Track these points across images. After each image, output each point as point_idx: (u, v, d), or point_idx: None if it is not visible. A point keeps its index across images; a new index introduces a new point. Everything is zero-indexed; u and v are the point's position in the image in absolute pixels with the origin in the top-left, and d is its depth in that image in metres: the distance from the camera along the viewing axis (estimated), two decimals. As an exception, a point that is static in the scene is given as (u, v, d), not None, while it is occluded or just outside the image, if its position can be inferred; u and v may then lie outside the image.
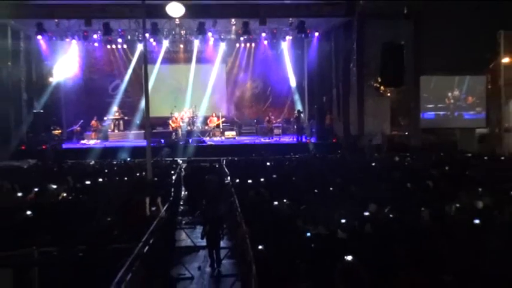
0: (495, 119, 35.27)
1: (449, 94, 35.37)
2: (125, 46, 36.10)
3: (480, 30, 37.70)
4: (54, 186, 18.36)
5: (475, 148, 33.79)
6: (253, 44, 37.10)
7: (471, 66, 35.92)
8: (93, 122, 33.87)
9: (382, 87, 31.68)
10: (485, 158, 27.67)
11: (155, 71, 34.86)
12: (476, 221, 11.70)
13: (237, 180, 18.65)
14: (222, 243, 14.23)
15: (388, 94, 32.28)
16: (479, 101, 35.50)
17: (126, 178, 20.70)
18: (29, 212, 13.87)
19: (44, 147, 31.45)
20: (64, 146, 32.83)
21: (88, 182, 19.71)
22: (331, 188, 16.61)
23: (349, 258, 8.15)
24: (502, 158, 28.29)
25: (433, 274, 7.52)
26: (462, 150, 32.19)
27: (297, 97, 37.14)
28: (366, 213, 12.38)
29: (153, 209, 14.70)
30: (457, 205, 13.85)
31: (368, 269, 7.90)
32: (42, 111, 33.33)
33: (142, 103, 23.68)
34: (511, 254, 8.74)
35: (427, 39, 32.51)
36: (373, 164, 24.50)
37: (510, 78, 34.40)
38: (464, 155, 29.09)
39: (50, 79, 35.20)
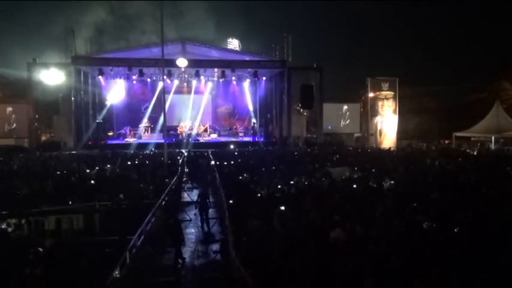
0: (364, 128, 36.47)
1: (339, 113, 36.38)
2: (149, 81, 35.54)
3: (356, 77, 38.89)
4: (109, 166, 18.39)
5: (354, 144, 34.79)
6: (227, 83, 36.59)
7: (351, 98, 37.20)
8: (129, 129, 33.42)
9: (301, 109, 32.27)
10: (359, 150, 28.52)
11: (169, 98, 34.31)
12: (354, 186, 12.41)
13: (218, 162, 18.89)
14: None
15: (305, 113, 32.88)
16: (355, 118, 36.63)
17: (151, 161, 20.75)
18: (92, 181, 14.06)
19: (101, 142, 31.20)
20: (111, 142, 32.38)
21: (129, 163, 19.79)
22: (273, 167, 17.10)
23: (282, 207, 8.72)
24: (369, 150, 29.14)
25: (328, 215, 8.09)
26: (346, 145, 33.07)
27: (252, 114, 37.33)
28: (291, 182, 12.96)
29: (167, 180, 14.82)
30: (343, 177, 14.56)
31: (292, 213, 8.47)
32: (101, 121, 32.99)
33: (162, 117, 23.71)
34: (371, 202, 9.34)
35: (326, 81, 33.25)
36: (295, 153, 24.99)
37: (372, 105, 35.62)
38: (347, 148, 29.91)
39: (106, 102, 34.73)
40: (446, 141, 35.99)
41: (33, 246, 6.64)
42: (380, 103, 35.68)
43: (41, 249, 6.50)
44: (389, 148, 30.52)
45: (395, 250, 5.83)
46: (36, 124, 30.74)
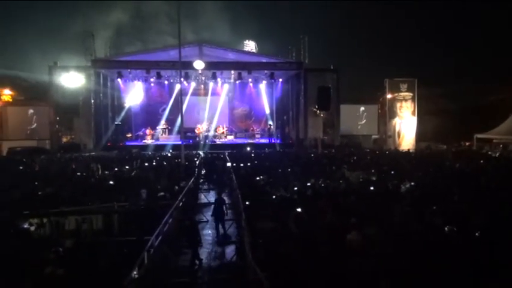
0: (382, 130, 36.05)
1: (356, 115, 36.10)
2: (167, 84, 35.82)
3: (373, 78, 38.48)
4: (127, 167, 18.63)
5: (371, 146, 34.42)
6: (243, 85, 36.45)
7: (368, 99, 36.82)
8: (148, 130, 33.84)
9: (318, 111, 32.12)
10: (377, 152, 28.24)
11: (186, 100, 34.40)
12: (372, 188, 12.26)
13: (234, 164, 18.97)
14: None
15: (321, 115, 32.67)
16: (373, 119, 36.28)
17: (168, 163, 20.85)
18: (111, 182, 14.24)
19: (120, 144, 31.66)
20: (130, 143, 32.75)
21: (146, 164, 19.97)
22: (289, 169, 17.04)
23: (298, 209, 8.66)
24: (387, 152, 28.85)
25: (344, 217, 8.00)
26: (363, 147, 32.76)
27: (269, 116, 37.25)
28: (308, 184, 12.87)
29: (184, 182, 14.77)
30: (360, 179, 14.41)
31: (308, 215, 8.42)
32: (120, 123, 33.49)
33: (179, 119, 23.94)
34: (388, 205, 9.24)
35: (343, 83, 33.06)
36: (312, 155, 24.87)
37: (390, 106, 35.17)
38: (364, 150, 29.62)
39: (125, 104, 35.21)
40: (467, 143, 35.27)
41: (53, 246, 6.80)
42: (398, 104, 35.22)
43: (61, 249, 6.65)
44: (408, 150, 30.10)
45: (412, 253, 5.75)
46: (57, 126, 31.43)
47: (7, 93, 35.29)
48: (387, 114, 35.37)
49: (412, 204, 9.40)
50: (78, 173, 16.76)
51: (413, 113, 35.30)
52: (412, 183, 12.59)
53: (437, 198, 9.95)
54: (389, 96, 35.23)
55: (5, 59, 46.31)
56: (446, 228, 7.07)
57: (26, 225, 8.95)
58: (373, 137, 37.15)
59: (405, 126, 35.17)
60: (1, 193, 11.82)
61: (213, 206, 12.40)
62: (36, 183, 14.01)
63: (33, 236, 8.76)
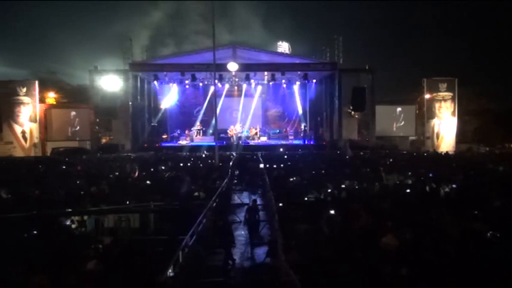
0: (420, 131, 35.05)
1: (392, 116, 35.31)
2: (201, 85, 36.33)
3: (411, 77, 37.46)
4: (163, 167, 19.02)
5: (408, 148, 33.58)
6: (277, 86, 36.42)
7: (405, 100, 35.95)
8: (187, 131, 34.43)
9: (352, 112, 31.68)
10: (414, 154, 27.52)
11: (220, 102, 34.73)
12: (408, 190, 11.96)
13: (267, 165, 19.02)
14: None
15: (356, 116, 32.27)
16: (410, 120, 35.38)
17: (202, 163, 21.24)
18: (148, 182, 14.59)
19: (156, 145, 32.43)
20: (165, 144, 33.43)
21: (181, 165, 20.34)
22: (323, 171, 16.89)
23: (332, 211, 8.58)
24: (425, 154, 28.08)
25: (379, 220, 7.87)
26: (400, 149, 32.00)
27: (302, 117, 37.06)
28: (343, 186, 12.70)
29: (218, 182, 15.02)
30: (397, 182, 14.06)
31: (341, 218, 8.32)
32: (156, 124, 34.38)
33: (213, 120, 24.24)
34: (426, 209, 8.98)
35: (379, 83, 32.40)
36: (346, 157, 24.51)
37: (429, 107, 34.16)
38: (401, 152, 28.96)
39: (161, 106, 36.07)
40: (511, 145, 33.66)
41: (94, 243, 7.08)
42: (437, 105, 34.09)
43: (101, 246, 6.91)
44: (447, 152, 29.11)
45: (450, 259, 5.56)
46: (96, 127, 32.69)
47: (51, 96, 37.06)
48: (425, 115, 34.31)
49: (451, 208, 9.08)
50: (117, 173, 17.30)
51: (453, 114, 34.05)
52: (453, 186, 12.16)
53: (478, 202, 9.57)
54: (427, 96, 34.18)
55: (49, 63, 48.67)
56: (488, 234, 6.79)
57: (68, 223, 9.35)
58: (411, 138, 36.18)
59: (444, 127, 34.00)
60: (47, 192, 12.41)
61: (245, 214, 11.45)
62: (78, 182, 14.59)
63: (74, 233, 9.14)
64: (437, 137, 34.03)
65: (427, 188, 12.32)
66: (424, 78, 34.43)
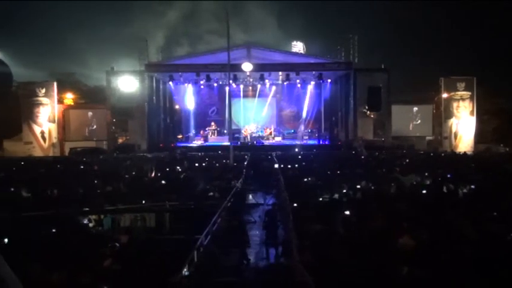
0: (437, 131, 34.50)
1: (409, 115, 34.85)
2: (216, 86, 36.55)
3: (428, 77, 36.94)
4: (178, 167, 19.15)
5: (425, 148, 33.11)
6: (291, 86, 36.50)
7: (422, 99, 35.47)
8: (201, 131, 34.65)
9: (368, 112, 31.39)
10: (431, 154, 27.14)
11: (235, 102, 34.82)
12: (424, 191, 11.78)
13: (282, 165, 19.02)
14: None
15: (372, 116, 31.96)
16: (427, 120, 34.87)
17: (217, 163, 21.31)
18: (163, 182, 14.70)
19: (171, 145, 32.69)
20: (180, 144, 33.67)
21: (196, 165, 20.45)
22: (338, 171, 16.78)
23: (347, 212, 8.51)
24: (442, 154, 27.67)
25: (395, 221, 7.76)
26: (417, 149, 31.54)
27: (317, 117, 36.88)
28: (358, 186, 12.58)
29: (233, 182, 15.11)
30: (414, 182, 13.86)
31: (357, 218, 8.25)
32: (171, 124, 34.64)
33: (228, 121, 24.27)
34: (443, 210, 8.83)
35: (395, 82, 32.06)
36: (362, 157, 24.32)
37: (446, 106, 33.59)
38: (418, 152, 28.58)
39: (176, 106, 36.40)
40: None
41: (110, 241, 7.18)
42: (455, 104, 33.53)
43: (117, 244, 7.01)
44: (465, 152, 28.58)
45: (468, 261, 5.46)
46: (113, 128, 33.17)
47: (69, 97, 37.73)
48: (443, 114, 33.77)
49: (469, 209, 8.92)
50: (133, 173, 17.51)
51: (471, 113, 33.44)
52: (472, 186, 11.94)
53: (497, 204, 9.37)
54: (445, 95, 33.62)
55: (67, 65, 49.57)
56: (509, 237, 6.64)
57: (85, 221, 9.51)
58: (428, 138, 35.62)
59: (463, 127, 33.41)
60: (65, 191, 12.65)
61: (264, 217, 11.01)
62: (95, 181, 14.82)
63: (91, 231, 9.29)
64: (455, 137, 33.47)
65: (445, 189, 12.11)
66: (441, 77, 33.90)
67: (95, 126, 34.83)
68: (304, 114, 37.49)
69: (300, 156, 24.47)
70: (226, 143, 27.12)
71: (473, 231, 6.96)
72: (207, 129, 35.13)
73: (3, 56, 40.32)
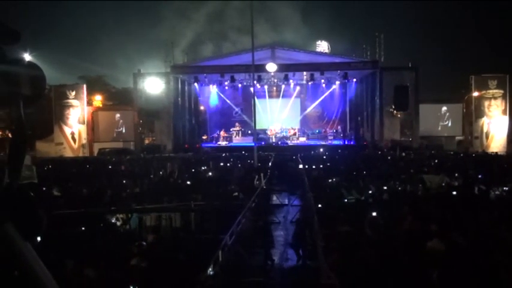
0: (468, 131, 33.48)
1: (437, 115, 33.96)
2: (240, 87, 36.55)
3: (458, 75, 35.92)
4: (203, 168, 19.28)
5: (455, 148, 32.20)
6: (316, 86, 36.12)
7: (451, 98, 34.53)
8: (224, 132, 34.74)
9: (394, 111, 30.81)
10: (461, 154, 26.39)
11: (260, 103, 35.12)
12: (454, 193, 11.46)
13: (306, 166, 18.90)
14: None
15: (399, 115, 31.36)
16: (457, 119, 33.91)
17: (242, 164, 21.35)
18: (189, 182, 14.85)
19: (196, 145, 33.00)
20: (205, 145, 33.89)
21: (221, 165, 20.57)
22: (364, 172, 16.54)
23: (374, 213, 8.38)
24: (473, 154, 26.86)
25: (424, 223, 7.57)
26: (446, 149, 30.73)
27: (342, 117, 36.48)
28: (385, 187, 12.36)
29: (257, 182, 15.16)
30: (443, 184, 13.50)
31: (384, 220, 8.09)
32: (196, 125, 35.01)
33: (252, 121, 24.30)
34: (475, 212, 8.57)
35: (423, 81, 31.36)
36: (388, 158, 23.90)
37: (477, 105, 32.56)
38: (447, 153, 27.84)
39: (201, 107, 36.75)
40: None
41: (137, 240, 7.31)
42: (486, 103, 32.43)
43: (144, 243, 7.12)
44: (497, 153, 27.62)
45: (502, 266, 5.25)
46: (140, 129, 33.83)
47: (98, 99, 38.73)
48: (473, 113, 32.72)
49: (502, 211, 8.59)
50: (160, 173, 17.78)
51: (504, 112, 32.24)
52: (505, 188, 11.53)
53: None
54: (475, 94, 32.55)
55: (96, 67, 50.92)
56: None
57: (113, 220, 9.72)
58: (457, 138, 34.59)
59: (495, 126, 32.26)
60: (94, 190, 12.98)
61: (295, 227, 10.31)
62: (124, 181, 15.14)
63: (119, 230, 9.49)
64: (487, 137, 32.37)
65: (476, 190, 11.73)
66: (471, 75, 32.86)
67: (122, 128, 35.61)
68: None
69: (324, 157, 24.22)
70: (251, 144, 27.16)
71: (509, 235, 6.70)
72: (231, 129, 35.23)
73: (36, 59, 41.71)
